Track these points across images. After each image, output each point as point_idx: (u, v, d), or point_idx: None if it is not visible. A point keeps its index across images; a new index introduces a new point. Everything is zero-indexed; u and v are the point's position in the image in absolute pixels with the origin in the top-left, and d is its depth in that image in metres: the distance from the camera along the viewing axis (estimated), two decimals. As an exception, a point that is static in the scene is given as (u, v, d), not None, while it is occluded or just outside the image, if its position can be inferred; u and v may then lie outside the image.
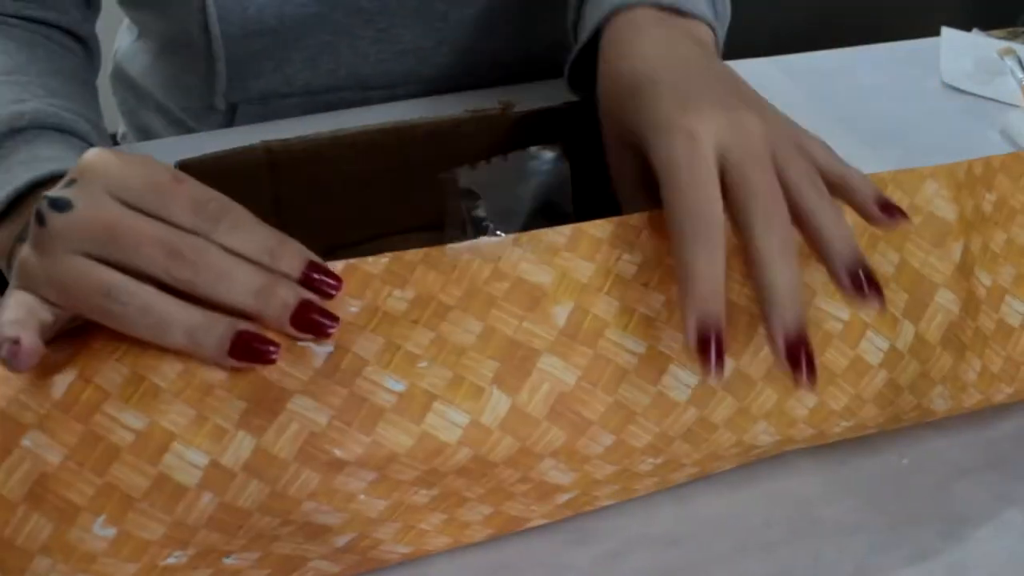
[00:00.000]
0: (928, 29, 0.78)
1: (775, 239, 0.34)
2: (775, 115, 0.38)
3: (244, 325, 0.32)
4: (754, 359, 0.37)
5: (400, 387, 0.33)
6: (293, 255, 0.33)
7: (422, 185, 0.46)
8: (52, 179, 0.40)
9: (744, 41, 0.70)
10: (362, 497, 0.33)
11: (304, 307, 0.32)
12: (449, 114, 0.48)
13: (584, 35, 0.46)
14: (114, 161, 0.32)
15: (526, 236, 0.36)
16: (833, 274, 0.35)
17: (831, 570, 0.37)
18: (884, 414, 0.40)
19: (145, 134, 0.74)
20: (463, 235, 0.41)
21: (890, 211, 0.36)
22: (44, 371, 0.31)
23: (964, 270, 0.41)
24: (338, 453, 0.32)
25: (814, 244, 0.35)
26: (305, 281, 0.32)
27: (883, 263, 0.40)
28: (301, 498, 0.32)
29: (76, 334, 0.32)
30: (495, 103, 0.48)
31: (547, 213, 0.40)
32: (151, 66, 0.69)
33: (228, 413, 0.31)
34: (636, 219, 0.37)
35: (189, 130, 0.70)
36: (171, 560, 0.31)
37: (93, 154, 0.33)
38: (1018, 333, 0.42)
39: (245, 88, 0.64)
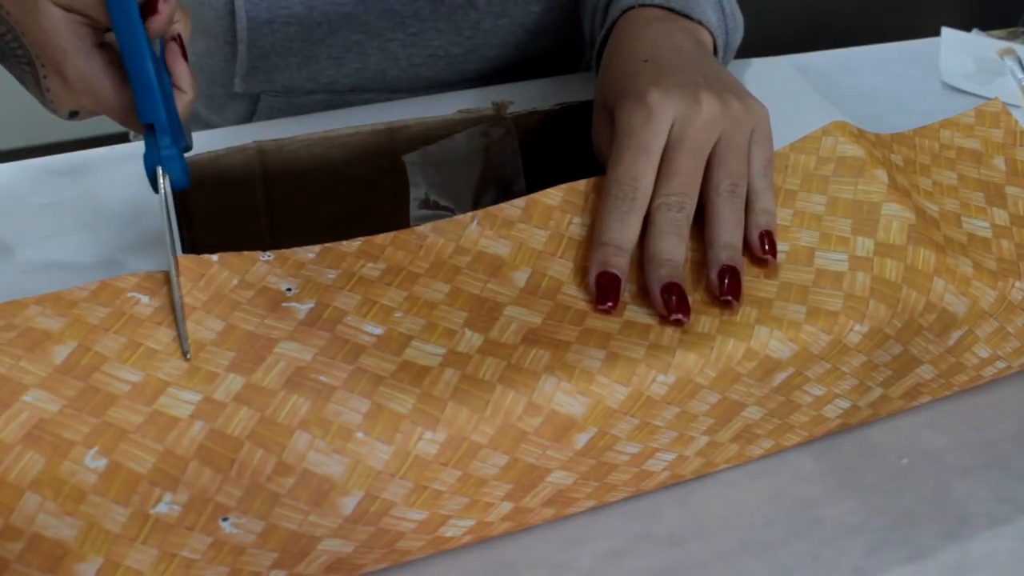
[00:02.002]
0: (928, 29, 0.78)
1: (669, 216, 0.39)
2: (745, 111, 0.42)
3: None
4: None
5: (378, 331, 0.35)
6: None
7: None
8: None
9: (744, 41, 0.70)
10: (360, 435, 0.32)
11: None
12: (441, 115, 0.48)
13: (605, 27, 0.51)
14: None
15: (483, 213, 0.40)
16: (708, 268, 0.39)
17: (831, 570, 0.37)
18: (891, 311, 0.39)
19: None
20: (424, 211, 0.44)
21: (769, 248, 0.40)
22: (32, 340, 0.33)
23: (900, 190, 0.43)
24: (324, 379, 0.33)
25: (707, 236, 0.40)
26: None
27: (810, 205, 0.42)
28: (292, 425, 0.32)
29: (70, 307, 0.34)
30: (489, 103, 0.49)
31: (497, 185, 0.44)
32: None
33: (219, 362, 0.33)
34: (583, 184, 0.42)
35: (206, 125, 0.70)
36: (162, 508, 0.30)
37: None
38: (995, 242, 0.43)
39: (269, 79, 0.64)
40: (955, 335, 0.41)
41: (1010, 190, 0.46)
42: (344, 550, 0.33)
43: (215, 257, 0.37)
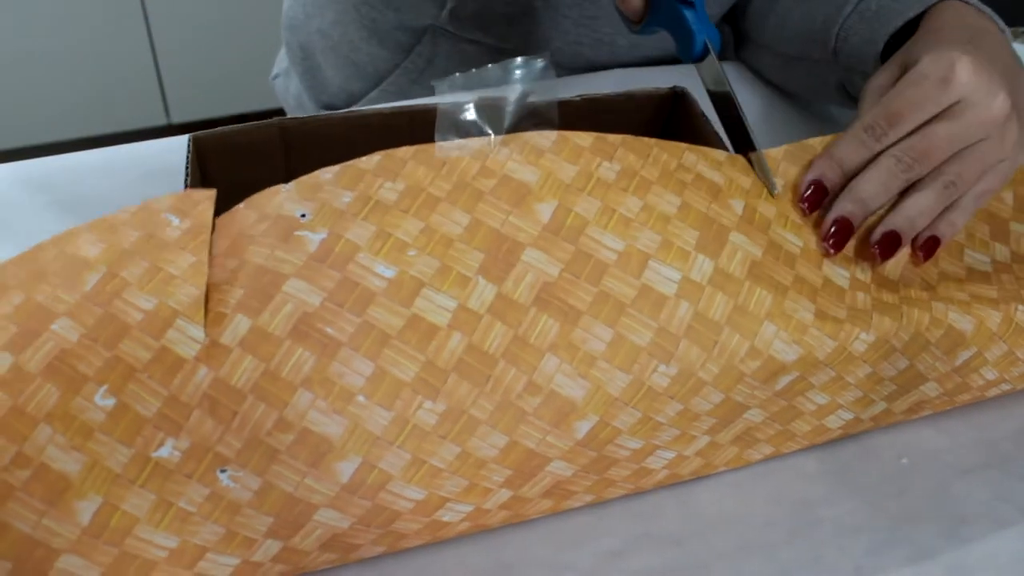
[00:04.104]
0: (928, 29, 0.78)
1: (891, 167, 0.41)
2: (1017, 141, 0.43)
3: None
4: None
5: (390, 273, 0.34)
6: None
7: None
8: None
9: (745, 41, 0.70)
10: (361, 399, 0.32)
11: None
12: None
13: (912, 12, 0.52)
14: None
15: (512, 137, 0.39)
16: (880, 222, 0.41)
17: (831, 570, 0.37)
18: (896, 324, 0.39)
19: (313, 74, 0.75)
20: (452, 137, 0.42)
21: (924, 255, 0.42)
22: (73, 268, 0.33)
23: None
24: (330, 331, 0.33)
25: (899, 200, 0.42)
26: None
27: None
28: (295, 382, 0.32)
29: (112, 232, 0.35)
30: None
31: (532, 118, 0.43)
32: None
33: (228, 301, 0.33)
34: (613, 137, 0.40)
35: (358, 68, 0.71)
36: (163, 452, 0.31)
37: None
38: (995, 275, 0.44)
39: (458, 21, 0.66)
40: (963, 355, 0.41)
41: (1015, 227, 0.46)
42: (340, 525, 0.33)
43: (242, 205, 0.37)
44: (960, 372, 0.41)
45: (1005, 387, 0.43)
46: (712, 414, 0.37)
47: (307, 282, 0.33)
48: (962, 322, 0.40)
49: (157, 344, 0.32)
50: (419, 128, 0.48)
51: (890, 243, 0.40)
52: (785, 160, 0.42)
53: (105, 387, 0.31)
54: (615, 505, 0.39)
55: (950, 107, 0.41)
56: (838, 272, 0.40)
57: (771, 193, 0.41)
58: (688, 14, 0.45)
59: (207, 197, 0.36)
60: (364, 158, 0.37)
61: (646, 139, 0.41)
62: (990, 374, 0.42)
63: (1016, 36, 0.78)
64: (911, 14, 0.51)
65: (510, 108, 0.41)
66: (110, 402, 0.31)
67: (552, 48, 0.67)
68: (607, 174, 0.39)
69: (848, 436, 0.43)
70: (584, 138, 0.40)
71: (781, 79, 0.66)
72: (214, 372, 0.32)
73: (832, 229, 0.40)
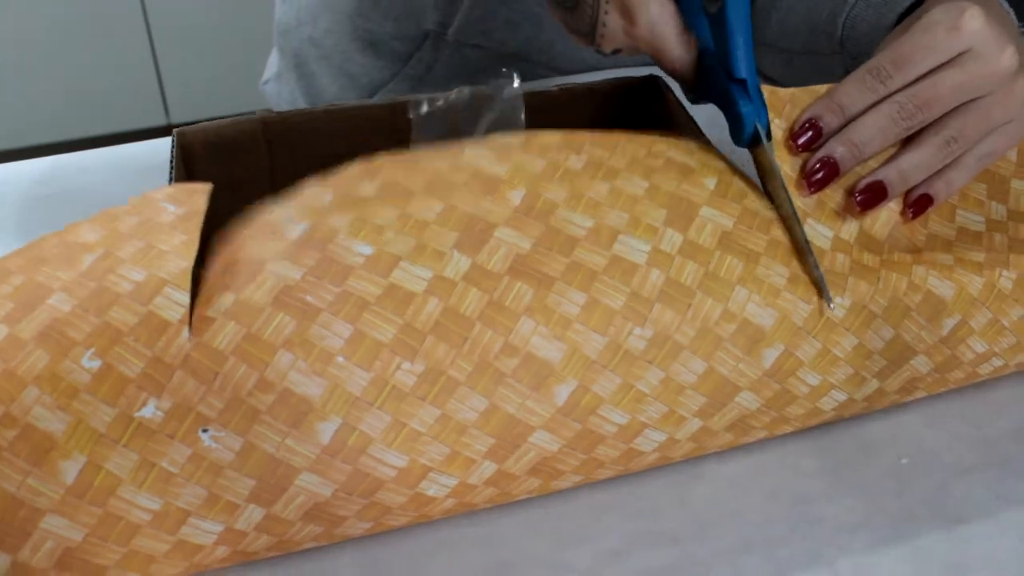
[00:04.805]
0: (928, 29, 0.78)
1: (892, 114, 0.40)
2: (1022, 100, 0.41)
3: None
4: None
5: (368, 250, 0.35)
6: None
7: None
8: None
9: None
10: (341, 360, 0.33)
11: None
12: (444, 93, 0.49)
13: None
14: None
15: (481, 140, 0.41)
16: (870, 173, 0.41)
17: (831, 568, 0.37)
18: (872, 288, 0.39)
19: (308, 81, 0.74)
20: (427, 143, 0.44)
21: (914, 214, 0.41)
22: (72, 252, 0.35)
23: None
24: (310, 299, 0.34)
25: (896, 152, 0.41)
26: None
27: None
28: (276, 344, 0.33)
29: (112, 220, 0.36)
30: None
31: (502, 126, 0.44)
32: None
33: (217, 283, 0.34)
34: (581, 133, 0.41)
35: (352, 79, 0.70)
36: (146, 412, 0.32)
37: None
38: (987, 235, 0.44)
39: (461, 27, 0.66)
40: (948, 323, 0.41)
41: (1016, 184, 0.46)
42: (322, 492, 0.33)
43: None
44: (948, 344, 0.41)
45: (997, 363, 0.43)
46: (699, 389, 0.37)
47: (289, 260, 0.35)
48: (942, 287, 0.40)
49: (144, 309, 0.33)
50: (400, 119, 0.48)
51: (874, 194, 0.40)
52: (791, 104, 0.42)
53: (92, 350, 0.32)
54: (614, 504, 0.39)
55: (958, 56, 0.40)
56: (820, 231, 0.40)
57: (826, 299, 0.38)
58: (736, 93, 0.40)
59: (203, 190, 0.38)
60: (344, 169, 0.39)
61: (614, 134, 0.42)
62: (979, 346, 0.42)
63: (1016, 36, 0.78)
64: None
65: (481, 120, 0.43)
66: (96, 364, 0.32)
67: (555, 52, 0.67)
68: (575, 165, 0.40)
69: (847, 426, 0.43)
70: (552, 135, 0.41)
71: (785, 78, 0.66)
72: (197, 337, 0.33)
73: (816, 166, 0.39)
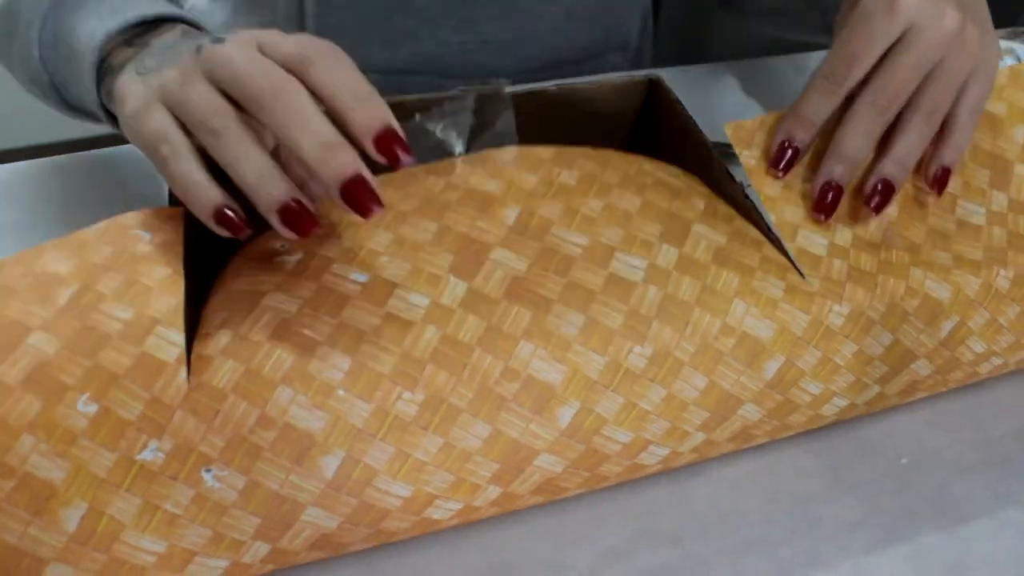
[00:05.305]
0: (928, 29, 0.78)
1: (871, 115, 0.40)
2: (980, 44, 0.42)
3: (301, 195, 0.33)
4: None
5: (363, 278, 0.35)
6: (376, 109, 0.33)
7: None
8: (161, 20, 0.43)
9: (743, 43, 0.70)
10: (341, 392, 0.33)
11: (356, 181, 0.32)
12: (441, 92, 0.49)
13: None
14: (268, 32, 0.35)
15: (474, 155, 0.41)
16: (869, 174, 0.41)
17: (830, 568, 0.37)
18: (870, 294, 0.39)
19: None
20: (418, 156, 0.43)
21: (939, 186, 0.42)
22: (44, 285, 0.33)
23: None
24: (308, 332, 0.33)
25: (886, 145, 0.41)
26: (378, 142, 0.32)
27: (797, 182, 0.42)
28: (275, 379, 0.32)
29: (81, 248, 0.35)
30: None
31: (493, 138, 0.44)
32: (225, 24, 0.69)
33: (212, 323, 0.34)
34: (572, 149, 0.42)
35: None
36: (147, 454, 0.31)
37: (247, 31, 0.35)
38: (987, 229, 0.44)
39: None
40: (947, 325, 0.41)
41: (1019, 169, 0.46)
42: (328, 525, 0.33)
43: (236, 255, 0.38)
44: (948, 345, 0.41)
45: (997, 362, 0.43)
46: (702, 404, 0.37)
47: (285, 293, 0.34)
48: (939, 290, 0.40)
49: (138, 351, 0.32)
50: (398, 118, 0.48)
51: (885, 192, 0.41)
52: (760, 131, 0.43)
53: (87, 394, 0.31)
54: (614, 504, 0.39)
55: (904, 35, 0.41)
56: (815, 240, 0.40)
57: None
58: None
59: (176, 215, 0.37)
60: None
61: (605, 151, 0.42)
62: (978, 346, 0.42)
63: (1016, 36, 0.78)
64: None
65: (470, 127, 0.43)
66: (92, 408, 0.31)
67: (441, 64, 0.66)
68: (568, 180, 0.40)
69: (847, 426, 0.43)
70: (545, 151, 0.41)
71: (766, 39, 0.65)
72: (196, 376, 0.32)
73: (823, 193, 0.40)
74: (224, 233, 0.34)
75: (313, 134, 0.32)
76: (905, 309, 0.40)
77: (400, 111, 0.44)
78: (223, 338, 0.33)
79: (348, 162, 0.32)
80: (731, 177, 0.42)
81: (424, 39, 0.65)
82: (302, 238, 0.33)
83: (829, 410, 0.40)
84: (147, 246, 0.35)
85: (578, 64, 0.70)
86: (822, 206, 0.40)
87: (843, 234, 0.41)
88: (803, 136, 0.41)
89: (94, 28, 0.42)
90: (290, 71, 0.33)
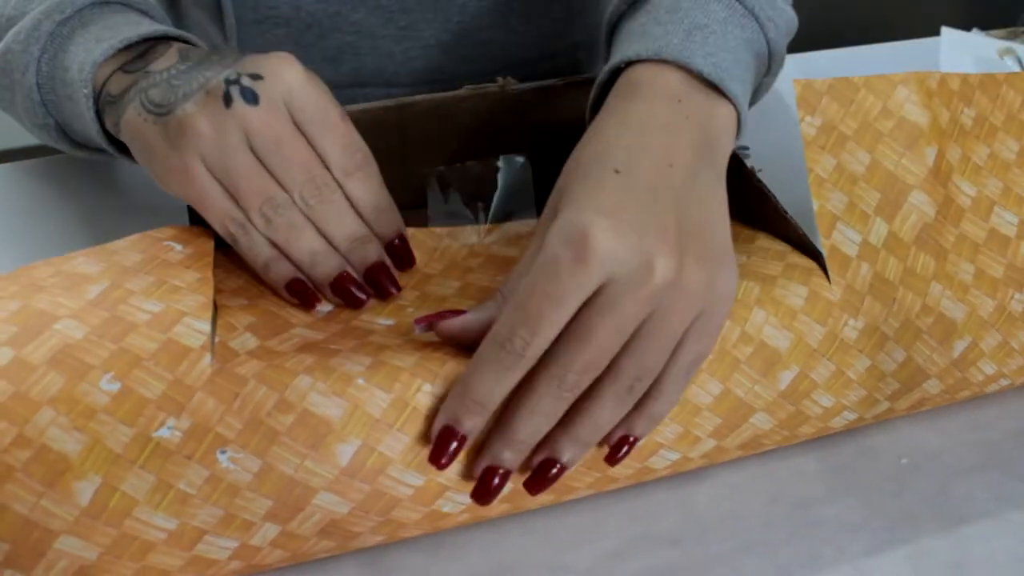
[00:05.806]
0: (928, 29, 0.78)
1: (555, 395, 0.33)
2: (703, 287, 0.33)
3: (350, 269, 0.39)
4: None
5: (390, 322, 0.38)
6: (392, 222, 0.41)
7: (418, 163, 0.48)
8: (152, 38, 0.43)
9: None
10: (361, 381, 0.33)
11: (378, 266, 0.39)
12: (450, 92, 0.49)
13: (602, 77, 0.42)
14: (299, 78, 0.39)
15: (495, 228, 0.44)
16: (537, 449, 0.34)
17: (831, 570, 0.37)
18: (886, 310, 0.39)
19: None
20: (443, 221, 0.46)
21: (618, 458, 0.36)
22: (73, 282, 0.34)
23: (940, 176, 0.42)
24: (333, 347, 0.35)
25: (566, 416, 0.34)
26: (390, 246, 0.41)
27: (852, 162, 0.41)
28: (297, 370, 0.33)
29: (111, 255, 0.36)
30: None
31: (509, 214, 0.47)
32: None
33: (240, 319, 0.36)
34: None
35: None
36: (164, 432, 0.31)
37: (281, 60, 0.39)
38: (1015, 243, 0.42)
39: None
40: (959, 345, 0.41)
41: None
42: (339, 510, 0.33)
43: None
44: (959, 366, 0.41)
45: (1004, 383, 0.43)
46: (715, 410, 0.37)
47: (314, 330, 0.37)
48: (954, 310, 0.40)
49: (164, 336, 0.33)
50: (408, 119, 0.48)
51: (544, 476, 0.34)
52: (828, 96, 0.41)
53: (111, 373, 0.31)
54: (614, 506, 0.39)
55: (600, 288, 0.32)
56: (849, 236, 0.40)
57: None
58: None
59: (208, 233, 0.39)
60: None
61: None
62: (989, 368, 0.42)
63: (1016, 36, 0.78)
64: (598, 82, 0.42)
65: (494, 200, 0.46)
66: (115, 386, 0.31)
67: (388, 74, 0.65)
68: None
69: (848, 434, 0.43)
70: (530, 223, 0.44)
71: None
72: (220, 363, 0.33)
73: (492, 482, 0.34)
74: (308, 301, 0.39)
75: (346, 229, 0.39)
76: (919, 326, 0.40)
77: (421, 177, 0.46)
78: (249, 341, 0.35)
79: (372, 253, 0.39)
80: (742, 163, 0.42)
81: (365, 53, 0.64)
82: (355, 309, 0.39)
83: (838, 423, 0.41)
84: (178, 255, 0.36)
85: (532, 65, 0.69)
86: (483, 493, 0.34)
87: (878, 231, 0.40)
88: (472, 423, 0.33)
89: (83, 60, 0.42)
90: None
